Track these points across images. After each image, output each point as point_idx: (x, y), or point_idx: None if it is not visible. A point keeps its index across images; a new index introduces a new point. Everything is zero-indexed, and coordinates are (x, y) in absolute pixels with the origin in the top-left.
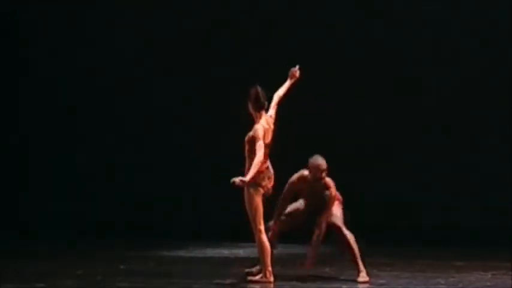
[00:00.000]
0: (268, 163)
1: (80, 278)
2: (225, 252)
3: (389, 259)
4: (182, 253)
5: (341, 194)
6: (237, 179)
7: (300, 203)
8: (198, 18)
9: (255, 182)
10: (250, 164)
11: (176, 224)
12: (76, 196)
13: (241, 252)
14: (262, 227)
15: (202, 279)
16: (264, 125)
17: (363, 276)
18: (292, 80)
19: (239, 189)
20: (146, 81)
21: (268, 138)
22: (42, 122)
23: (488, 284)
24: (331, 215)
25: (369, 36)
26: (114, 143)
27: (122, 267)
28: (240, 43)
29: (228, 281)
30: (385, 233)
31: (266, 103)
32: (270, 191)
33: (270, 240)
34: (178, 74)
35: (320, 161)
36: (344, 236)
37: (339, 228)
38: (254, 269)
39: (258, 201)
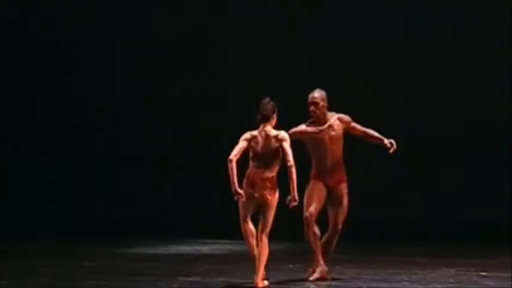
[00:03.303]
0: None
1: (44, 275)
2: (188, 249)
3: (353, 256)
4: (146, 250)
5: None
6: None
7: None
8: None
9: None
10: None
11: (140, 221)
12: (40, 193)
13: (205, 249)
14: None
15: (166, 276)
16: (253, 133)
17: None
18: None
19: (204, 186)
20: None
21: (258, 149)
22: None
23: (452, 280)
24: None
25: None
26: (78, 141)
27: (85, 264)
28: None
29: (191, 279)
30: (349, 230)
31: (269, 115)
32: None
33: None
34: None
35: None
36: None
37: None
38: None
39: (240, 205)
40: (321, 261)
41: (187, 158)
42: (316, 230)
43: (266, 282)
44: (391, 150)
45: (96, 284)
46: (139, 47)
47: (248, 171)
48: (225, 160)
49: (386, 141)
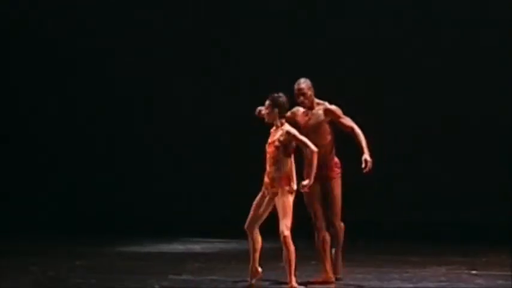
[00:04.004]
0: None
1: (33, 274)
2: (180, 247)
3: (344, 254)
4: (137, 249)
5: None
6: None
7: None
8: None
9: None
10: (281, 167)
11: (132, 220)
12: (31, 191)
13: (197, 247)
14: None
15: (157, 275)
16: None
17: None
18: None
19: (197, 186)
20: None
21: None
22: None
23: (443, 279)
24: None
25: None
26: (68, 138)
27: (77, 263)
28: None
29: (183, 277)
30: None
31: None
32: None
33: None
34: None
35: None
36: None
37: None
38: None
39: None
40: (327, 268)
41: (182, 157)
42: (326, 234)
43: (260, 269)
44: (364, 170)
45: (87, 282)
46: (139, 47)
47: (291, 168)
48: (224, 160)
49: (363, 157)
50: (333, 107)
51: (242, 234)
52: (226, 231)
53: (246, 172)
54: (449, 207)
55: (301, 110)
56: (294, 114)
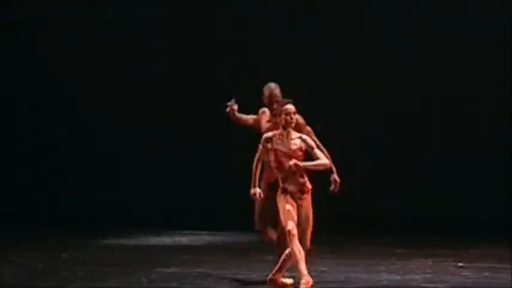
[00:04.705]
0: None
1: (20, 266)
2: (167, 240)
3: (332, 247)
4: (124, 241)
5: None
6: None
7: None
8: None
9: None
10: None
11: (120, 212)
12: (19, 185)
13: (184, 240)
14: None
15: (145, 267)
16: None
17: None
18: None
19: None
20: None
21: None
22: None
23: (429, 271)
24: None
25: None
26: (68, 138)
27: (64, 255)
28: None
29: (170, 269)
30: (329, 221)
31: None
32: None
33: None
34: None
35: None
36: None
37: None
38: None
39: None
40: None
41: (173, 150)
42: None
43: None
44: (334, 191)
45: (74, 275)
46: (139, 47)
47: None
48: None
49: (332, 177)
50: (299, 119)
51: (229, 227)
52: (213, 223)
53: (244, 171)
54: (437, 201)
55: (267, 113)
56: (261, 115)
